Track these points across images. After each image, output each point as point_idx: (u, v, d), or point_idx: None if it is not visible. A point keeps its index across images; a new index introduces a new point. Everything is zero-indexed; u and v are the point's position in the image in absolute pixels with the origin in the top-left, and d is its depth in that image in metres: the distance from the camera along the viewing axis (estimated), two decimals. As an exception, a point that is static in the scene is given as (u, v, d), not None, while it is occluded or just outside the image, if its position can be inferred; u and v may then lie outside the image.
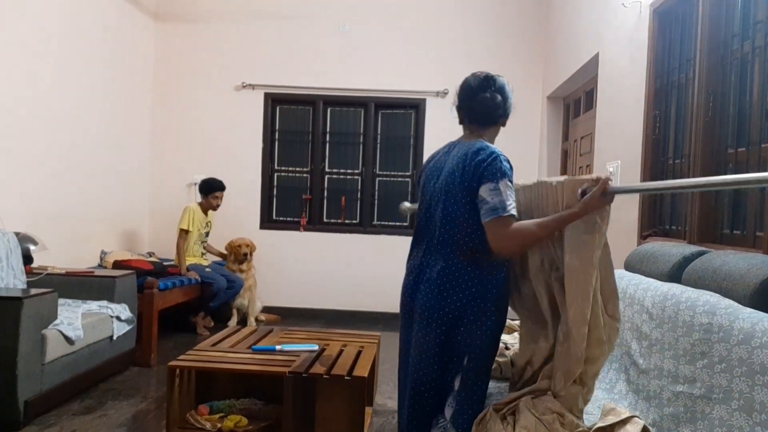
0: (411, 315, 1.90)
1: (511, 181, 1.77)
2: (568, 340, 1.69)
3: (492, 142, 1.93)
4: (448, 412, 1.82)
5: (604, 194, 1.64)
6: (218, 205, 5.01)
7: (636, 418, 1.65)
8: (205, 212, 4.98)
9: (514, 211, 1.71)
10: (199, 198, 5.10)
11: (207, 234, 5.07)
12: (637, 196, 3.11)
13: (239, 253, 5.09)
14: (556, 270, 1.77)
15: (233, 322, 5.15)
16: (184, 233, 4.79)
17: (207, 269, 4.84)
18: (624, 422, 1.63)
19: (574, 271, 1.68)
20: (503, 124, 1.98)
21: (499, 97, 1.91)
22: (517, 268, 1.95)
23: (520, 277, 1.94)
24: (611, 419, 1.66)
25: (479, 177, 1.74)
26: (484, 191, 1.72)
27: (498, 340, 1.87)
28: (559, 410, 1.70)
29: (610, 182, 1.65)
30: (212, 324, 4.98)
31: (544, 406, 1.73)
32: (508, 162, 1.79)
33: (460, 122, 1.97)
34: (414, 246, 1.98)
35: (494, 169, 1.73)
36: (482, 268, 1.78)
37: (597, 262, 1.67)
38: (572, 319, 1.67)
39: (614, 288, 1.73)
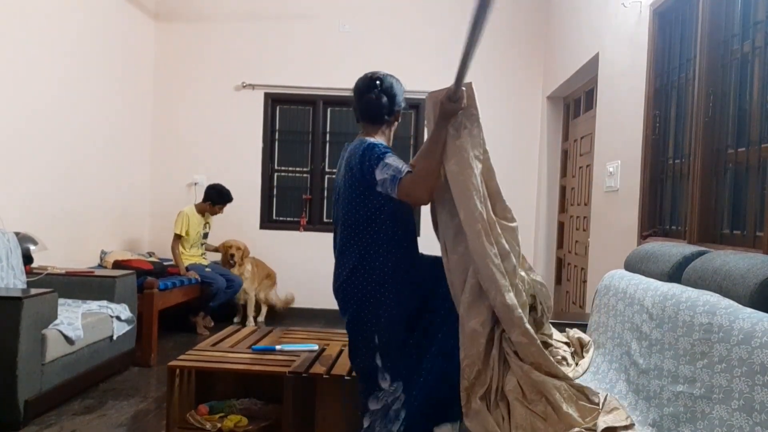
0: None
1: (392, 155, 1.95)
2: (466, 241, 1.81)
3: (387, 137, 2.12)
4: (385, 383, 2.00)
5: (449, 99, 1.82)
6: (220, 213, 5.08)
7: (636, 427, 1.65)
8: (202, 214, 4.98)
9: (408, 168, 1.89)
10: (197, 198, 5.10)
11: (206, 235, 5.08)
12: (637, 197, 3.11)
13: (226, 255, 5.09)
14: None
15: (237, 319, 5.19)
16: (177, 237, 4.81)
17: (207, 269, 4.84)
18: (626, 428, 1.63)
19: (455, 175, 1.83)
20: (396, 119, 2.15)
21: (385, 98, 2.06)
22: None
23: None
24: (613, 421, 1.65)
25: (369, 169, 1.92)
26: (378, 174, 1.90)
27: (403, 318, 2.02)
28: (549, 394, 1.69)
29: (462, 89, 1.82)
30: (212, 324, 4.98)
31: (535, 391, 1.72)
32: (384, 146, 1.99)
33: (357, 121, 2.16)
34: (334, 240, 2.22)
35: (374, 155, 1.92)
36: (384, 260, 1.98)
37: (473, 163, 1.82)
38: (464, 220, 1.80)
39: (497, 189, 1.88)
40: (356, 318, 2.02)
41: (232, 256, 5.08)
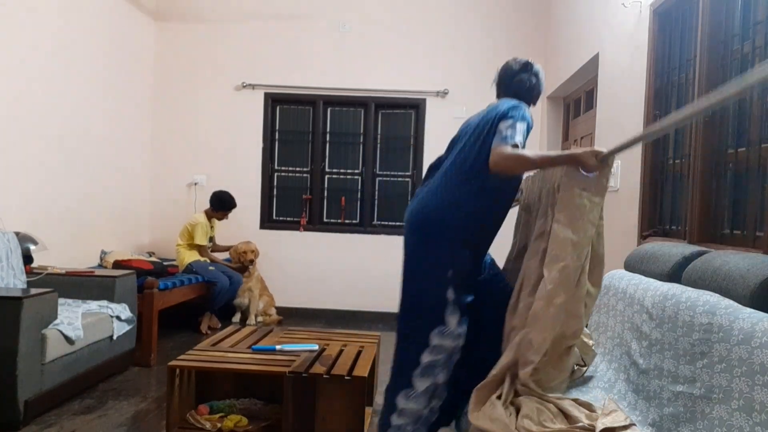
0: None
1: (529, 129, 2.02)
2: (543, 298, 1.82)
3: None
4: (453, 319, 2.01)
5: (595, 155, 1.82)
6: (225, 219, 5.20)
7: (635, 427, 1.65)
8: (210, 219, 5.08)
9: (519, 143, 1.93)
10: (197, 198, 5.12)
11: (211, 239, 5.17)
12: (637, 197, 3.11)
13: (245, 260, 5.12)
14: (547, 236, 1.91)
15: (236, 318, 5.19)
16: (200, 246, 4.95)
17: (210, 268, 4.88)
18: (624, 428, 1.63)
19: (560, 232, 1.84)
20: (534, 103, 2.24)
21: (534, 80, 2.20)
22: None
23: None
24: (612, 422, 1.65)
25: (503, 115, 1.99)
26: (502, 125, 1.96)
27: (475, 261, 2.08)
28: (556, 404, 1.71)
29: (602, 151, 1.84)
30: (219, 325, 4.98)
31: (543, 398, 1.75)
32: (532, 119, 2.05)
33: (498, 97, 2.24)
34: (424, 181, 2.23)
35: (518, 113, 1.99)
36: (476, 193, 2.01)
37: (586, 225, 1.82)
38: (550, 278, 1.82)
39: (602, 257, 1.90)
40: (433, 247, 2.02)
41: (251, 261, 5.14)
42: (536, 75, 2.21)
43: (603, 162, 1.84)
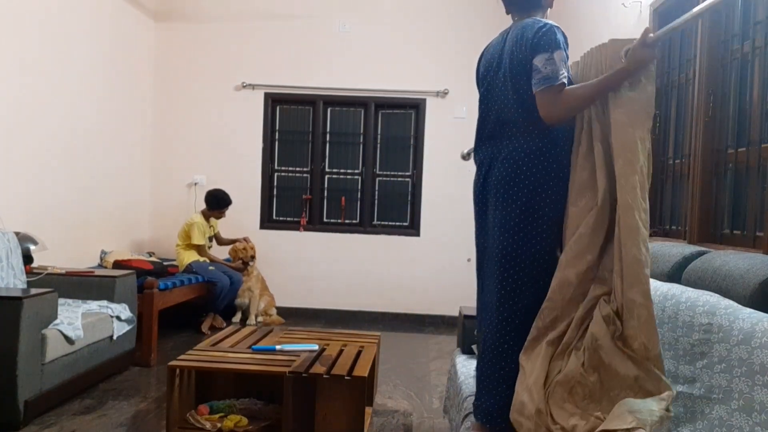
0: (485, 205, 1.90)
1: (566, 53, 1.76)
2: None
3: None
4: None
5: (645, 45, 1.60)
6: (223, 217, 5.19)
7: (641, 431, 1.62)
8: (207, 219, 5.08)
9: (565, 80, 1.69)
10: (197, 198, 5.13)
11: (211, 238, 5.17)
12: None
13: (245, 256, 5.12)
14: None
15: (237, 318, 5.20)
16: (199, 246, 4.93)
17: (210, 268, 4.88)
18: (629, 431, 1.60)
19: (621, 125, 1.65)
20: (549, 5, 1.99)
21: None
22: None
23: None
24: (617, 425, 1.62)
25: (534, 47, 1.74)
26: (539, 61, 1.71)
27: None
28: (605, 379, 1.61)
29: (650, 34, 1.60)
30: (224, 324, 4.97)
31: (592, 367, 1.63)
32: (564, 35, 1.80)
33: (507, 13, 1.99)
34: (479, 142, 1.97)
35: (549, 40, 1.73)
36: (559, 146, 1.77)
37: (645, 119, 1.64)
38: (620, 170, 1.63)
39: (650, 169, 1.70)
40: (528, 206, 1.77)
41: (252, 257, 5.14)
42: None
43: (653, 43, 1.62)
